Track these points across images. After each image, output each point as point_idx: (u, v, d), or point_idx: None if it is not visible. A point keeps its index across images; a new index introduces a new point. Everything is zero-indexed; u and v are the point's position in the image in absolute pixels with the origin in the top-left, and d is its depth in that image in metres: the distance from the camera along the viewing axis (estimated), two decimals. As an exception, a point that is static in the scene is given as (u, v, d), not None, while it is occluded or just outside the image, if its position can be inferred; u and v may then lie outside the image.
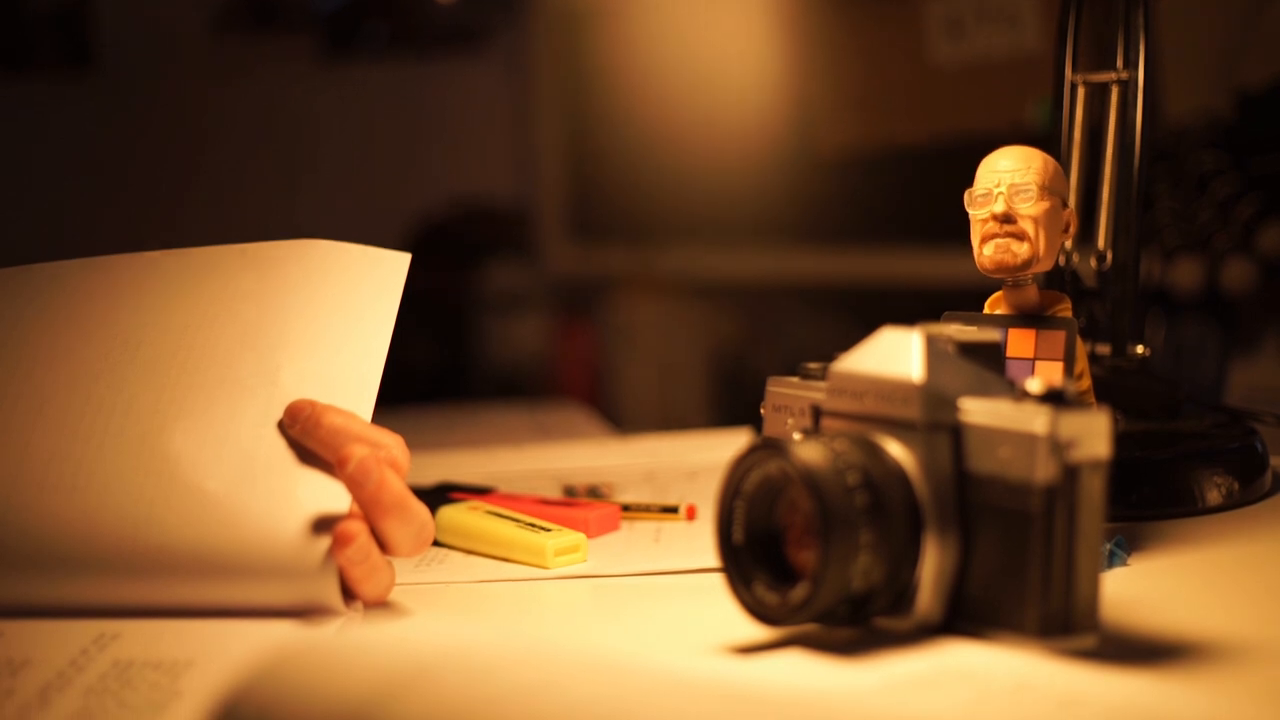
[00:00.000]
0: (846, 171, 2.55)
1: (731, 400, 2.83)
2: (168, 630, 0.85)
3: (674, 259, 2.86)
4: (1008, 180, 0.89)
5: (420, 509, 0.90)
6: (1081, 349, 0.91)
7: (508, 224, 3.39)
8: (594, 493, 1.19)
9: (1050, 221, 0.89)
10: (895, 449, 0.78)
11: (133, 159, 3.65)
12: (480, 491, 1.15)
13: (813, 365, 0.87)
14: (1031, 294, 0.91)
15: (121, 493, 0.89)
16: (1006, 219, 0.89)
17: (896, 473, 0.77)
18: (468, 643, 0.61)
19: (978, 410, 0.77)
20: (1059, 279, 1.10)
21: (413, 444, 0.93)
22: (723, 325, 2.95)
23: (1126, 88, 1.10)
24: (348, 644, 0.62)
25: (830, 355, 0.84)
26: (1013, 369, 0.89)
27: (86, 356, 0.95)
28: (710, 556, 0.80)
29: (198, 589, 0.88)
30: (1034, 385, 0.76)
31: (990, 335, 0.83)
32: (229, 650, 0.82)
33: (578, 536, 1.02)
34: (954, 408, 0.78)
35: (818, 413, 0.83)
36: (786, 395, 0.88)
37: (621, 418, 2.53)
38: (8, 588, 0.88)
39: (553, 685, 0.57)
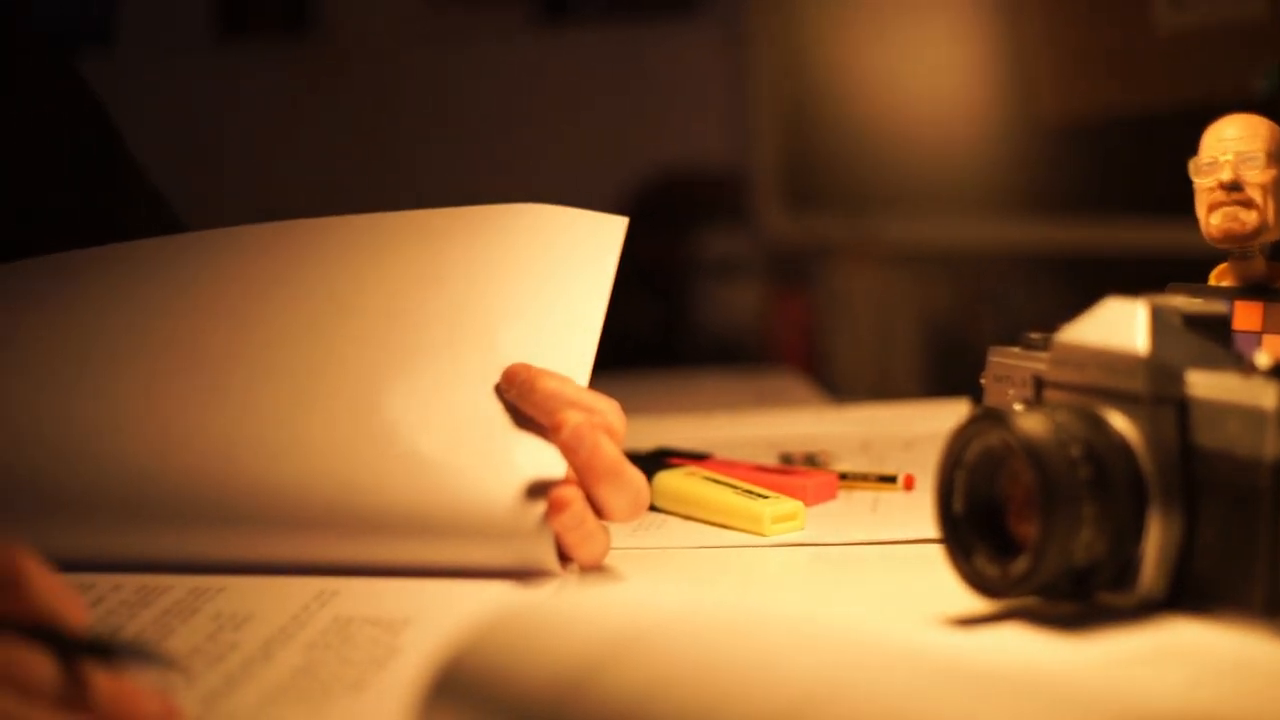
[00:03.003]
0: (1067, 139, 2.51)
1: (947, 370, 2.81)
2: (386, 589, 0.87)
3: (891, 227, 2.84)
4: (1234, 148, 0.88)
5: (635, 475, 0.90)
6: (1312, 322, 0.89)
7: (723, 190, 3.39)
8: (811, 460, 1.19)
9: (1278, 190, 0.88)
10: (1119, 422, 0.77)
11: (349, 124, 3.70)
12: (697, 457, 1.15)
13: (1035, 335, 0.86)
14: (1259, 265, 0.90)
15: (338, 454, 0.90)
16: (1234, 187, 0.87)
17: (1120, 446, 0.76)
18: (685, 609, 0.61)
19: (1204, 384, 0.76)
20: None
21: (629, 409, 0.93)
22: (938, 294, 2.93)
23: (1360, 55, 1.08)
24: (565, 608, 0.62)
25: (1053, 325, 0.83)
26: (1240, 342, 0.87)
27: (302, 318, 0.96)
28: (929, 527, 0.80)
29: (415, 549, 0.89)
30: (1262, 359, 0.74)
31: (1217, 307, 0.82)
32: (446, 609, 0.83)
33: (795, 504, 1.02)
34: (1180, 381, 0.77)
35: (1040, 383, 0.82)
36: (1008, 365, 0.87)
37: (837, 386, 2.53)
38: (231, 544, 0.90)
39: (770, 653, 0.57)
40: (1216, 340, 0.80)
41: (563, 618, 0.61)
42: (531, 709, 0.57)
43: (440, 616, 0.82)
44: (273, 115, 3.71)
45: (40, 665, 0.63)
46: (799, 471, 1.12)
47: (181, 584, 0.88)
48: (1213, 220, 0.88)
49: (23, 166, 1.16)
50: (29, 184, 1.17)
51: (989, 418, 0.78)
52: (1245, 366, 0.75)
